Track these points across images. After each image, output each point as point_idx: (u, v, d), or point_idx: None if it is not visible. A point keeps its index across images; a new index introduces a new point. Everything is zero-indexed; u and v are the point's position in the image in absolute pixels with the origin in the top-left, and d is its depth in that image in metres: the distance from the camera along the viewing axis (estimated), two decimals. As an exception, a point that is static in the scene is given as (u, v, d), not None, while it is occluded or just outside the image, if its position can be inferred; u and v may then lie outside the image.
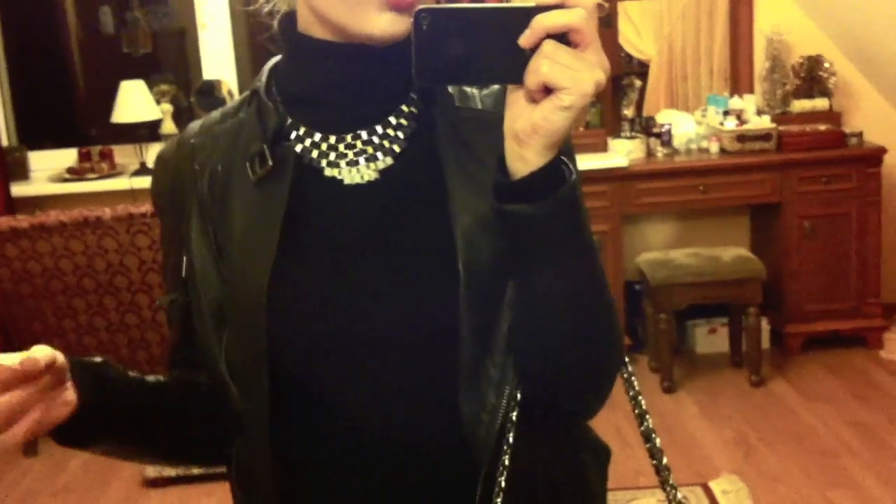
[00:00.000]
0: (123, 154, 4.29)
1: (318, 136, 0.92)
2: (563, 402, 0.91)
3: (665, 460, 0.98)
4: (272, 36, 0.97)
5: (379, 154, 0.91)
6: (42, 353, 0.81)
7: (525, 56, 0.73)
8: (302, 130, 0.93)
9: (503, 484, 0.87)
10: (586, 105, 0.74)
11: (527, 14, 0.72)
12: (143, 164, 4.19)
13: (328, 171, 0.92)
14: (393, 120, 0.92)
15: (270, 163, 0.90)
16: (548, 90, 0.73)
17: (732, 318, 4.07)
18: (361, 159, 0.91)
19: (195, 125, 1.00)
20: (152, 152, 4.26)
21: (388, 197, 0.91)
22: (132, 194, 4.00)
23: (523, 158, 0.76)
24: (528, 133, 0.75)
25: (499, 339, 0.87)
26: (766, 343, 4.11)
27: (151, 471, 3.36)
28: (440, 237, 0.87)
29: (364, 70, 0.90)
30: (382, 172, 0.91)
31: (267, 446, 0.92)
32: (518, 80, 0.74)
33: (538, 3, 0.72)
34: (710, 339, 4.22)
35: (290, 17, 0.94)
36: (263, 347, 0.89)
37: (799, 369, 3.96)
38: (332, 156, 0.92)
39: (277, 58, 0.97)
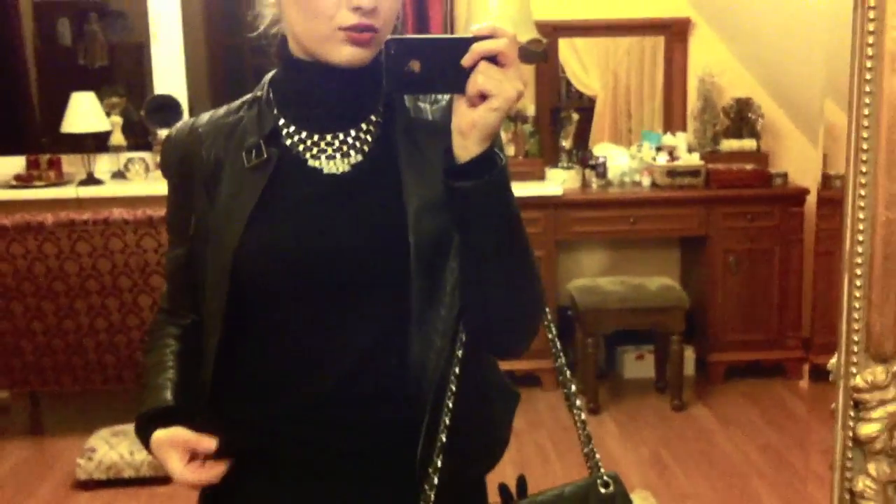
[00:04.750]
0: (71, 163, 4.35)
1: (304, 134, 1.18)
2: (498, 339, 1.15)
3: (563, 360, 1.24)
4: (264, 51, 1.23)
5: (352, 151, 1.17)
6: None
7: (466, 73, 0.98)
8: (292, 129, 1.18)
9: (450, 406, 1.10)
10: (511, 108, 1.00)
11: (468, 42, 0.98)
12: (90, 175, 4.25)
13: (311, 163, 1.17)
14: (363, 126, 1.18)
15: (265, 154, 1.16)
16: (483, 97, 0.98)
17: (658, 346, 4.23)
18: (338, 154, 1.17)
19: (205, 116, 1.25)
20: (100, 163, 4.33)
21: (356, 184, 1.16)
22: (78, 203, 4.05)
23: (466, 148, 1.00)
24: (468, 128, 0.99)
25: (444, 296, 1.10)
26: (691, 370, 4.28)
27: (82, 473, 3.39)
28: (394, 216, 1.11)
29: (339, 86, 1.16)
30: (353, 166, 1.17)
31: (215, 346, 1.16)
32: (461, 90, 0.99)
33: (475, 34, 0.98)
34: (638, 364, 4.38)
35: (283, 41, 1.19)
36: (229, 267, 1.13)
37: (719, 396, 4.12)
38: (315, 150, 1.17)
39: (273, 71, 1.23)
